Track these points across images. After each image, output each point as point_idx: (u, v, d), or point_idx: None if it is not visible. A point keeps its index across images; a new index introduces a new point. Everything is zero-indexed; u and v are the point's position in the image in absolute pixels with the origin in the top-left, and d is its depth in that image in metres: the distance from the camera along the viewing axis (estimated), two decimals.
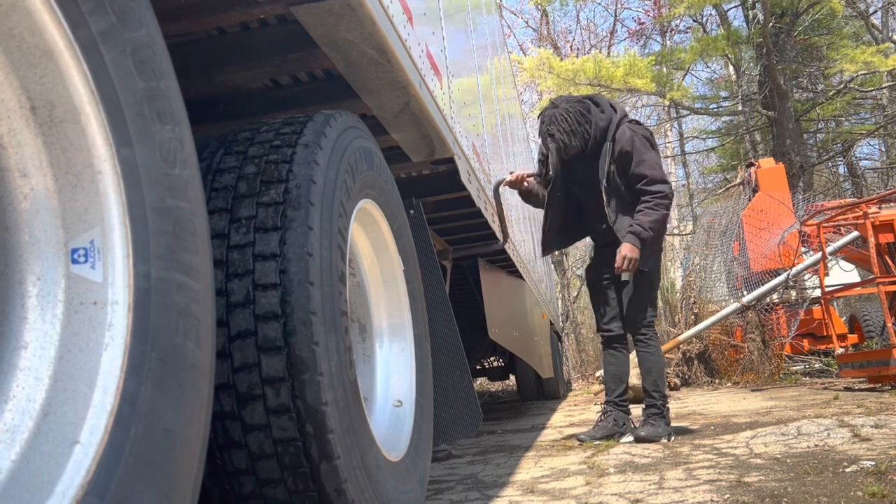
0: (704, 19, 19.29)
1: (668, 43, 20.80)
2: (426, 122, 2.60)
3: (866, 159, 22.53)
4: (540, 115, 4.00)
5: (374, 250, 2.24)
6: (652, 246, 3.87)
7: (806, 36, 16.04)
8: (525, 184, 4.22)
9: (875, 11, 18.01)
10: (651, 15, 21.13)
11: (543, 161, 4.18)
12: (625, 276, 3.88)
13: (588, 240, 4.48)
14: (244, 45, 2.12)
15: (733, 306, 8.16)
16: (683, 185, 23.53)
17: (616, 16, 23.66)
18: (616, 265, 3.77)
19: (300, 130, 1.72)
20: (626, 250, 3.75)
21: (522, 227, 6.41)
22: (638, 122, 4.01)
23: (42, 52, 0.86)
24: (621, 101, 16.92)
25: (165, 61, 1.06)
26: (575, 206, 4.17)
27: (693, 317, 8.98)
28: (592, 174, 3.91)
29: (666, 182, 3.85)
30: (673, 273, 13.04)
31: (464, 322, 3.48)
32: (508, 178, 4.23)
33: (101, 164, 0.91)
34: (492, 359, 10.12)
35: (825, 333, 8.66)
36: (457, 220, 3.99)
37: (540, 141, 4.03)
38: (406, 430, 2.11)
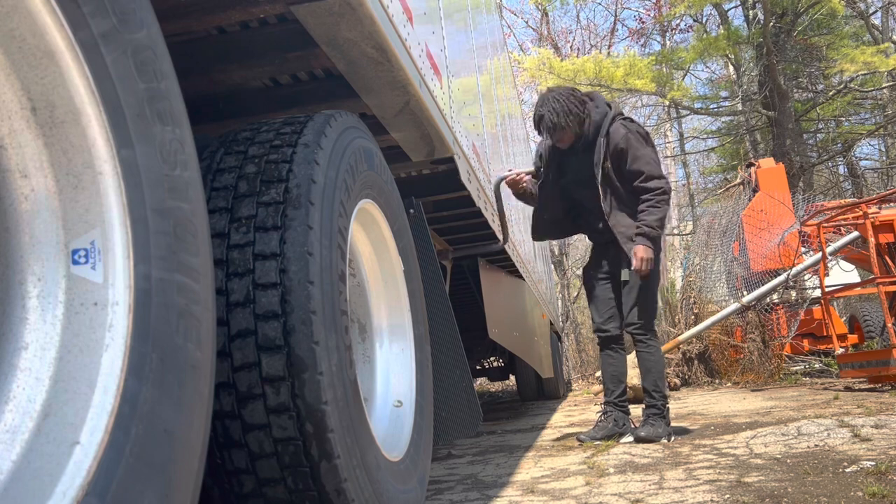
0: (704, 19, 19.31)
1: (669, 43, 20.80)
2: (426, 122, 2.60)
3: (866, 159, 22.55)
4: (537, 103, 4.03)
5: (375, 250, 2.24)
6: (654, 244, 3.89)
7: (806, 36, 16.04)
8: (523, 184, 4.22)
9: (875, 11, 18.02)
10: (651, 14, 21.14)
11: (541, 156, 4.18)
12: (624, 276, 3.89)
13: (587, 240, 4.48)
14: (244, 45, 2.12)
15: (733, 306, 8.16)
16: (683, 185, 23.53)
17: (616, 15, 23.68)
18: (635, 267, 3.78)
19: (300, 130, 1.72)
20: (642, 252, 3.76)
21: (522, 227, 6.41)
22: (632, 120, 4.00)
23: (43, 53, 0.86)
24: (621, 101, 16.92)
25: (166, 62, 1.06)
26: (570, 204, 4.17)
27: (693, 317, 8.97)
28: (587, 171, 3.91)
29: (663, 177, 3.86)
30: (673, 273, 13.02)
31: (464, 322, 3.48)
32: (508, 175, 4.24)
33: (101, 165, 0.91)
34: (492, 359, 10.12)
35: (825, 333, 8.66)
36: (457, 220, 3.99)
37: (535, 131, 4.04)
38: (406, 430, 2.11)
